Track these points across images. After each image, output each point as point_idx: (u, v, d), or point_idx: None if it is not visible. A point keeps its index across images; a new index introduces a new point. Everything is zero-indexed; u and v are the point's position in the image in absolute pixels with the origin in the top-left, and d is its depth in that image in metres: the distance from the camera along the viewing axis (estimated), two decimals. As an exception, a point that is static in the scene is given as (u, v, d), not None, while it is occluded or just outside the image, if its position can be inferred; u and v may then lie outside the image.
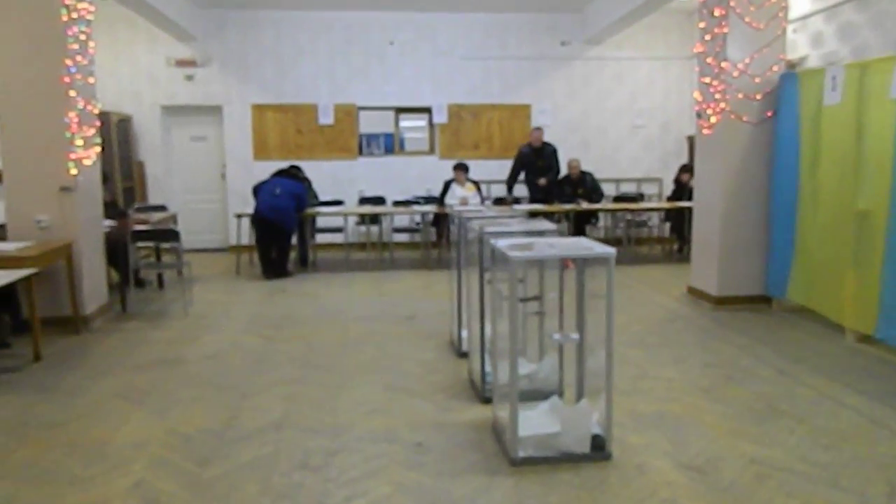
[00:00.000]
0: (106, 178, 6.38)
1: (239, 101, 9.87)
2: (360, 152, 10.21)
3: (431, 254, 8.87)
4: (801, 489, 2.94)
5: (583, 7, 9.89)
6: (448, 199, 8.79)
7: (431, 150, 10.34)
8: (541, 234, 3.91)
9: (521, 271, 3.89)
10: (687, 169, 9.01)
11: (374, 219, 9.33)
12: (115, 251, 6.21)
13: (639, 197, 9.99)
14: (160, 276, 7.37)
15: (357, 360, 4.78)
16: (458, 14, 9.98)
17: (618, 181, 10.39)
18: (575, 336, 3.23)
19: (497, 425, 3.49)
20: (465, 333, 4.84)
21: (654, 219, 10.00)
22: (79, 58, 5.48)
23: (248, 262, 8.61)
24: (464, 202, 8.62)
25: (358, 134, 10.16)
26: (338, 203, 9.39)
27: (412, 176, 10.14)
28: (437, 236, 8.94)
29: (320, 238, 9.30)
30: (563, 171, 9.16)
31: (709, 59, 6.19)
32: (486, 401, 3.91)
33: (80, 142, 5.45)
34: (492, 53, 10.11)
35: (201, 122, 10.05)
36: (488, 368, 3.97)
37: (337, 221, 9.21)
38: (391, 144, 10.33)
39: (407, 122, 10.39)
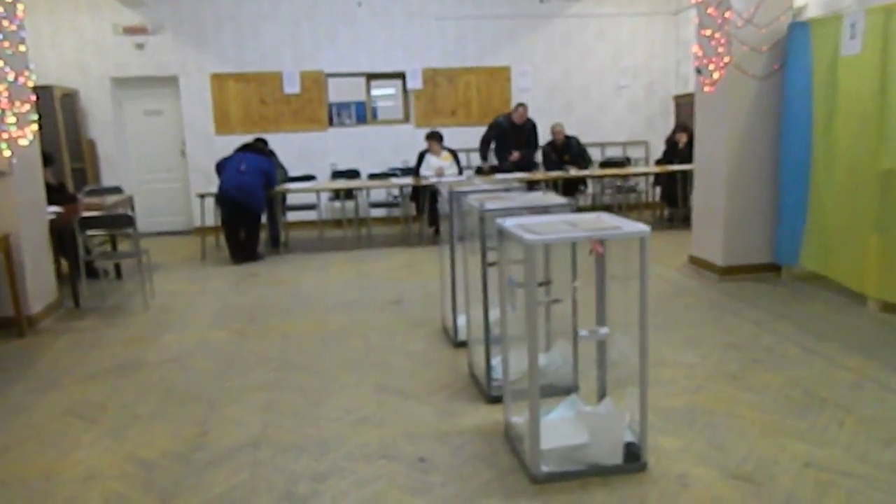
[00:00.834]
0: (49, 160, 5.72)
1: (196, 71, 9.11)
2: (331, 123, 9.56)
3: (412, 229, 8.32)
4: (874, 499, 2.52)
5: (562, -40, 9.30)
6: (423, 171, 8.27)
7: (406, 119, 9.71)
8: (546, 209, 3.42)
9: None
10: (682, 129, 8.53)
11: (349, 194, 8.74)
12: (64, 240, 5.56)
13: (626, 161, 9.52)
14: (117, 266, 6.73)
15: (340, 357, 4.27)
16: (430, -29, 9.32)
17: (603, 145, 9.90)
18: (604, 330, 2.75)
19: (512, 433, 3.02)
20: (461, 320, 4.36)
21: (642, 184, 9.56)
22: (5, 23, 4.78)
23: (214, 245, 7.98)
24: (439, 172, 8.10)
25: (327, 103, 9.49)
26: (309, 178, 8.77)
27: (387, 147, 9.53)
28: (417, 210, 8.38)
29: (291, 216, 8.68)
30: (543, 140, 8.68)
31: (710, 10, 5.68)
32: (493, 400, 3.45)
33: (11, 119, 4.78)
34: (467, 13, 9.47)
35: (156, 94, 9.28)
36: (494, 362, 3.49)
37: (309, 198, 8.60)
38: (363, 113, 9.69)
39: (379, 89, 9.74)
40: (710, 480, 2.69)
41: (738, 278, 5.74)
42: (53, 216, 5.58)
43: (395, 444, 3.09)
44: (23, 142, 4.93)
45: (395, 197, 8.93)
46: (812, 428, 3.10)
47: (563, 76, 9.82)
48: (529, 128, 8.57)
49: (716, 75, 5.70)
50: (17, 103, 4.87)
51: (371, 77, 9.60)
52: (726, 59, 5.57)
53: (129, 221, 5.48)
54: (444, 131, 8.45)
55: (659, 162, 8.94)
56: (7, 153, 4.72)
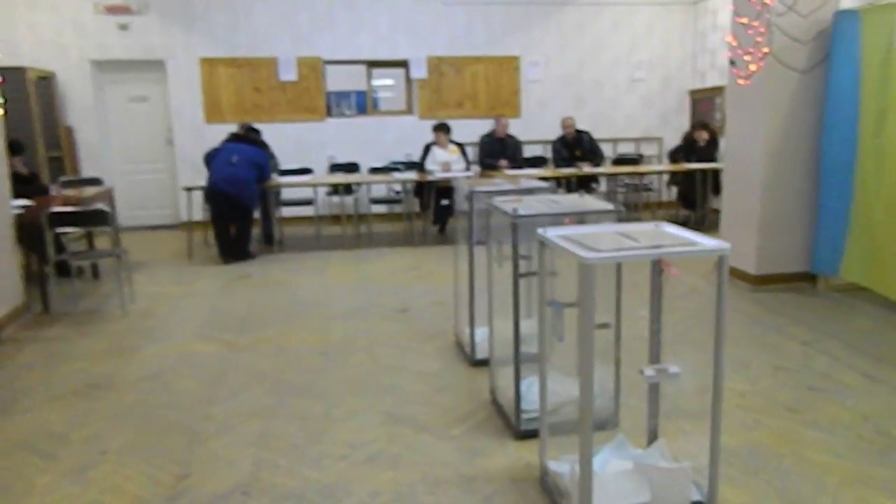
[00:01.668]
0: (18, 148, 5.18)
1: (184, 55, 8.54)
2: (329, 113, 9.01)
3: (415, 227, 7.82)
4: None
5: (576, -55, 8.79)
6: (429, 164, 7.76)
7: (409, 110, 9.18)
8: (587, 214, 2.94)
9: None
10: (702, 126, 8.05)
11: (348, 189, 8.22)
12: (33, 237, 5.03)
13: (639, 158, 9.04)
14: (94, 264, 6.19)
15: (344, 376, 3.77)
16: (437, -47, 8.78)
17: (615, 141, 9.42)
18: (675, 369, 2.27)
19: (551, 483, 2.54)
20: (479, 335, 3.89)
21: (656, 182, 9.08)
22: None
23: (202, 241, 7.45)
24: (446, 167, 7.62)
25: (325, 92, 8.94)
26: (305, 172, 8.24)
27: (389, 139, 9.00)
28: (421, 207, 7.87)
29: (286, 212, 8.16)
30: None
31: (748, -4, 5.20)
32: (524, 436, 2.97)
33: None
34: (476, -1, 8.96)
35: (141, 79, 8.69)
36: (525, 389, 3.01)
37: (305, 193, 8.07)
38: (363, 103, 9.15)
39: (381, 78, 9.20)
40: (796, 550, 2.23)
41: (771, 288, 5.29)
42: (21, 210, 5.04)
43: (413, 493, 2.60)
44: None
45: (398, 192, 8.42)
46: (897, 478, 2.64)
47: (576, 67, 9.31)
48: (513, 144, 8.12)
49: (752, 67, 5.21)
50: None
51: (372, 65, 9.06)
52: (765, 50, 5.08)
53: (103, 218, 4.93)
54: (451, 124, 7.94)
55: (673, 157, 8.46)
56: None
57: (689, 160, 8.10)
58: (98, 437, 3.10)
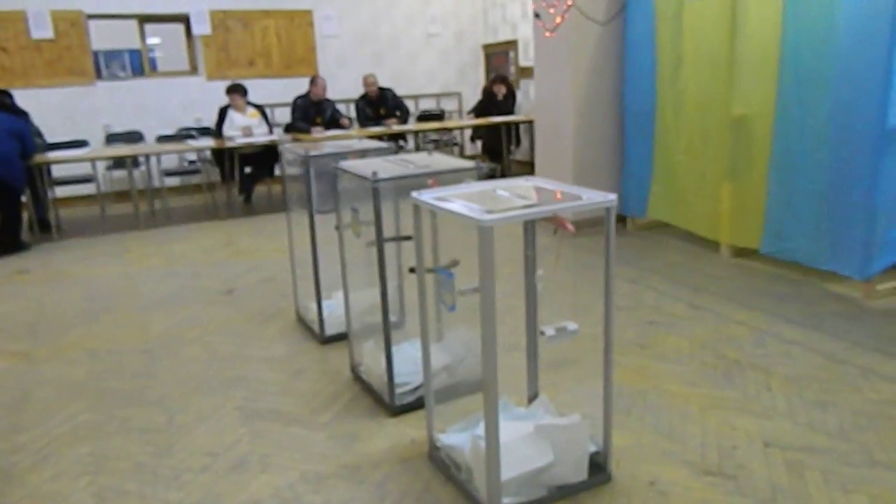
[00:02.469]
0: None
1: None
2: (99, 76, 7.90)
3: (217, 198, 7.17)
4: (848, 476, 2.31)
5: None
6: (227, 130, 7.15)
7: (194, 70, 8.33)
8: (450, 173, 2.81)
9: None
10: (501, 80, 8.23)
11: (135, 161, 7.30)
12: None
13: (441, 114, 9.09)
14: None
15: (179, 374, 3.32)
16: None
17: (416, 97, 9.35)
18: (573, 327, 2.23)
19: (443, 456, 2.41)
20: (328, 308, 3.62)
21: (458, 137, 9.21)
22: None
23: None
24: (247, 132, 7.09)
25: (91, 51, 7.79)
26: (80, 144, 7.17)
27: (174, 103, 8.12)
28: (222, 177, 7.22)
29: (60, 192, 7.06)
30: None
31: (549, -52, 5.30)
32: (399, 411, 2.81)
33: None
34: (259, -54, 8.29)
35: None
36: (399, 368, 2.84)
37: (83, 169, 7.02)
38: (139, 64, 8.14)
39: (157, 35, 8.22)
40: (685, 483, 2.33)
41: (589, 232, 5.56)
42: None
43: (296, 496, 2.33)
44: None
45: (192, 162, 7.65)
46: (745, 397, 2.88)
47: (372, 24, 9.04)
48: (330, 106, 7.71)
49: (557, 20, 5.37)
50: None
51: (145, 20, 8.04)
52: (569, 2, 5.25)
53: None
54: (245, 84, 7.32)
55: (473, 112, 8.60)
56: None
57: (489, 113, 8.28)
58: None
